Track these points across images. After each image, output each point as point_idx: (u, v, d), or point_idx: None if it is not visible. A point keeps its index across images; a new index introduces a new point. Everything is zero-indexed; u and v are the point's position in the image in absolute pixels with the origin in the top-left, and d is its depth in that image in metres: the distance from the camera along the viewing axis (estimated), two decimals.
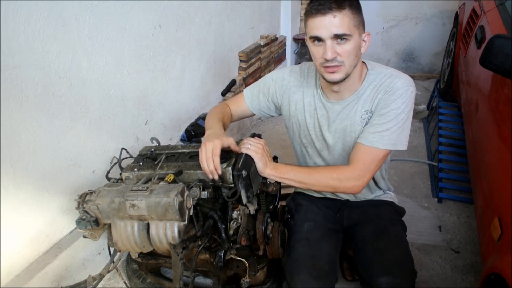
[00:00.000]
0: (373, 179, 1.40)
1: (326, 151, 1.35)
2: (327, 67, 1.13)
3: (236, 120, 1.50)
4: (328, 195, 1.47)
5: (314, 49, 1.14)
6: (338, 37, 1.08)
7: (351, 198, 1.45)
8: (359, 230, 1.34)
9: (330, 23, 1.07)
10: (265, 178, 1.39)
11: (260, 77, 3.10)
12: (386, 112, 1.18)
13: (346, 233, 1.41)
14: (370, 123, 1.21)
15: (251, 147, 1.20)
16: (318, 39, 1.11)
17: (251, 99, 1.43)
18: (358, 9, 1.10)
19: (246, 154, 1.20)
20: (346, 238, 1.41)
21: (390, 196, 1.48)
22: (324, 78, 1.19)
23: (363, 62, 1.24)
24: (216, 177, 1.14)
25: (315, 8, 1.08)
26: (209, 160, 1.11)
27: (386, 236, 1.27)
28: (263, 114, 1.46)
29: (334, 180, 1.20)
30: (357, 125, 1.24)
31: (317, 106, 1.30)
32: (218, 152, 1.12)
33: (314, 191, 1.46)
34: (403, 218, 1.42)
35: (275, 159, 1.52)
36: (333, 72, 1.14)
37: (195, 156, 1.32)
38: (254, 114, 1.47)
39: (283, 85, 1.36)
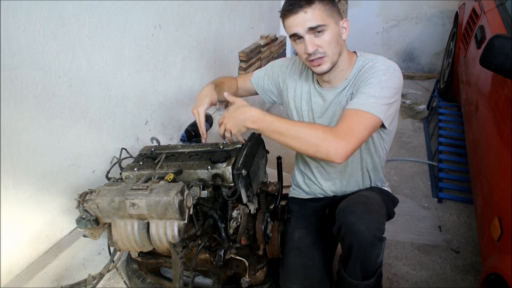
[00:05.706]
0: (366, 168, 1.38)
1: None
2: (311, 60, 1.18)
3: (241, 96, 1.57)
4: (318, 195, 1.48)
5: (297, 46, 1.20)
6: (314, 29, 1.13)
7: (338, 193, 1.45)
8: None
9: (303, 19, 1.12)
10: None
11: None
12: (367, 79, 1.16)
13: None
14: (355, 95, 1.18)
15: (220, 122, 1.23)
16: (297, 36, 1.16)
17: (257, 79, 1.54)
18: None
19: (246, 153, 1.21)
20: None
21: (382, 186, 1.47)
22: (313, 71, 1.25)
23: (353, 52, 1.28)
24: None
25: (287, 9, 1.14)
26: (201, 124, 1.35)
27: (364, 199, 1.19)
28: (265, 96, 1.56)
29: (318, 138, 1.07)
30: (344, 107, 1.22)
31: (312, 94, 1.35)
32: (202, 116, 1.35)
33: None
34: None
35: (278, 159, 1.54)
36: (319, 65, 1.19)
37: (195, 156, 1.32)
38: (257, 94, 1.56)
39: (286, 72, 1.44)
